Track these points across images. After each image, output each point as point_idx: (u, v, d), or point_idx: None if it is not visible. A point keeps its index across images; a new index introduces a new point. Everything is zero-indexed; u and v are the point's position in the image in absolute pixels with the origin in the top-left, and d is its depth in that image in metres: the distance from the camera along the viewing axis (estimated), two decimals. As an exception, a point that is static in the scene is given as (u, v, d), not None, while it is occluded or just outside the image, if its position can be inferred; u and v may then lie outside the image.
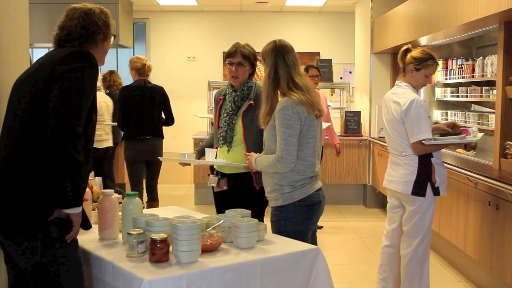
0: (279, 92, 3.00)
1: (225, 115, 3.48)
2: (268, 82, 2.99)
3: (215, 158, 3.45)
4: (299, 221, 2.99)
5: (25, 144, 2.17)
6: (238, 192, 3.47)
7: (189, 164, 3.67)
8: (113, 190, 2.72)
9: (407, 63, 3.71)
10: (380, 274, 3.92)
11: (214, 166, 3.55)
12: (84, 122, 2.19)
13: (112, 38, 2.49)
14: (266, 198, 3.45)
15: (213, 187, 3.54)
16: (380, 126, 7.40)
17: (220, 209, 3.53)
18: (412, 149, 3.60)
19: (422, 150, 3.58)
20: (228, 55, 3.48)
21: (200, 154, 3.62)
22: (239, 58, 3.43)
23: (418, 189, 3.59)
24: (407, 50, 3.75)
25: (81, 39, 2.35)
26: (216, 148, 3.52)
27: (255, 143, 3.36)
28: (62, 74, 2.17)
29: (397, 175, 3.69)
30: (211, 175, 3.56)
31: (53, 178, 2.11)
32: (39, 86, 2.19)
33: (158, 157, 3.89)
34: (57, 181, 2.10)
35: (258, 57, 3.40)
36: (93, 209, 2.92)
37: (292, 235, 2.87)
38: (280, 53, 2.99)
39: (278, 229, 3.00)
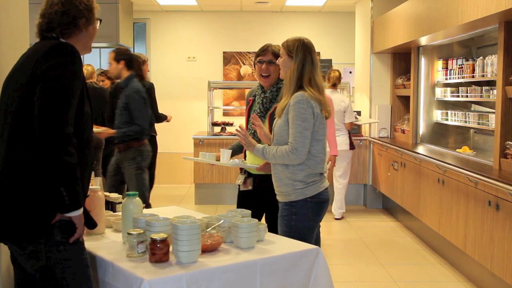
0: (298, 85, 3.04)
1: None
2: (295, 76, 3.01)
3: (229, 159, 3.45)
4: (310, 217, 3.04)
5: (19, 150, 2.12)
6: (262, 193, 3.45)
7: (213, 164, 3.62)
8: (99, 187, 2.78)
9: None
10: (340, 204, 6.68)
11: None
12: (74, 117, 2.11)
13: (98, 22, 2.37)
14: None
15: (239, 185, 3.57)
16: (380, 126, 7.40)
17: (242, 208, 3.57)
18: (348, 126, 6.62)
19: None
20: (258, 54, 3.49)
21: (232, 154, 3.61)
22: (269, 56, 3.43)
23: (352, 146, 6.64)
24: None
25: (63, 26, 2.24)
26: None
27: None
28: (42, 74, 2.09)
29: (342, 142, 6.45)
30: (240, 173, 3.59)
31: (48, 184, 2.06)
32: (23, 89, 2.12)
33: (183, 157, 3.89)
34: (52, 187, 2.06)
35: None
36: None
37: (302, 230, 2.95)
38: (309, 50, 3.04)
39: (289, 224, 3.03)
